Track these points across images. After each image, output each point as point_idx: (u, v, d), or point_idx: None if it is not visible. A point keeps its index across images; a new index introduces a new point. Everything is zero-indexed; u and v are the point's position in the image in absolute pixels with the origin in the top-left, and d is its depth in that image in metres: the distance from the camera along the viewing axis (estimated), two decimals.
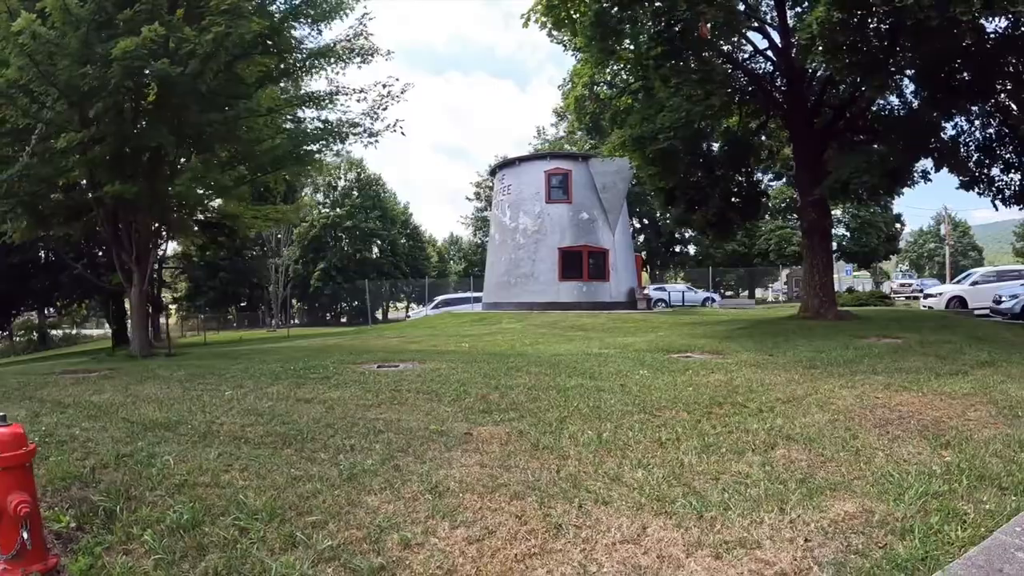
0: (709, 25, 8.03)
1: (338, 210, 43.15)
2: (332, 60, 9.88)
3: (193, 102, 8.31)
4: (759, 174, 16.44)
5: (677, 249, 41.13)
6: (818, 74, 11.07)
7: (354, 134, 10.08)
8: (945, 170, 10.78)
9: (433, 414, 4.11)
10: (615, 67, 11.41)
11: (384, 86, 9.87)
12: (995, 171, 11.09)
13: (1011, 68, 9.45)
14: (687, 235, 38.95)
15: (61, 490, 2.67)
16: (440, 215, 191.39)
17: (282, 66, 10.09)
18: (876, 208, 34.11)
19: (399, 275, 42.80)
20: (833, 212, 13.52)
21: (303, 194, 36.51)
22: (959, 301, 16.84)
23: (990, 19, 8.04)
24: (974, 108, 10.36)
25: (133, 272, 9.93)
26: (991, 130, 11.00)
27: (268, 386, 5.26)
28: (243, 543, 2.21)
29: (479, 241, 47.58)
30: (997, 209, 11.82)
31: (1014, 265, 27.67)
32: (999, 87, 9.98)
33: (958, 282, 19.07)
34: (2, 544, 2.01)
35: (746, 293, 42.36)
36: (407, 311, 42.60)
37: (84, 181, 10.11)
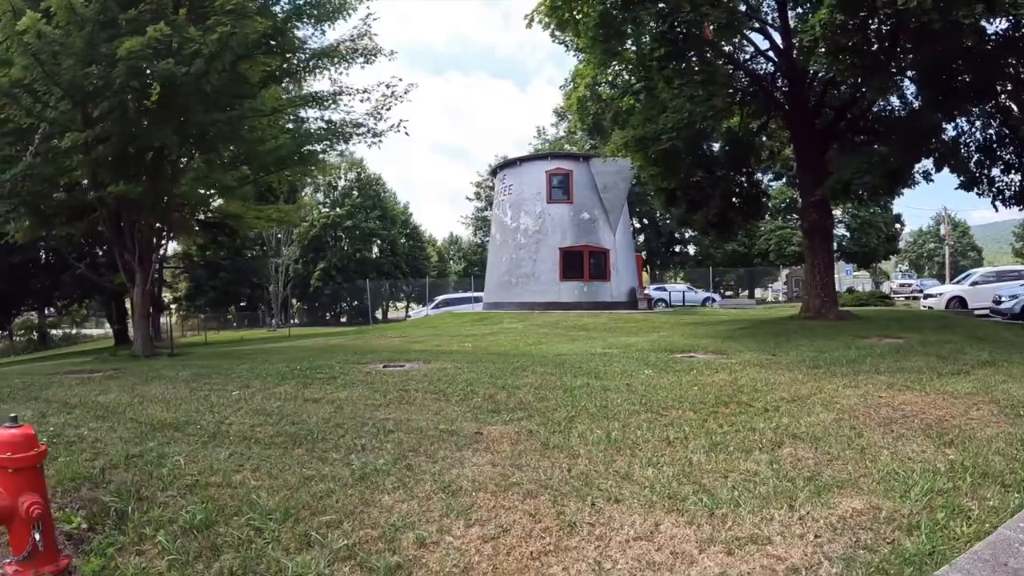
0: (712, 27, 8.07)
1: (338, 210, 43.15)
2: (335, 60, 9.91)
3: (197, 102, 8.33)
4: (759, 174, 16.49)
5: (677, 249, 41.19)
6: (819, 75, 11.12)
7: (358, 134, 10.11)
8: (945, 170, 10.85)
9: (442, 414, 4.15)
10: (617, 67, 11.45)
11: (388, 86, 9.90)
12: (995, 172, 11.15)
13: (1011, 69, 9.51)
14: (687, 235, 39.02)
15: (71, 491, 2.67)
16: (440, 215, 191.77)
17: (285, 66, 10.11)
18: (876, 208, 34.21)
19: (399, 275, 42.83)
20: (833, 212, 13.56)
21: (303, 194, 36.52)
22: (959, 301, 16.91)
23: (991, 21, 8.09)
24: (975, 109, 10.42)
25: (136, 272, 9.95)
26: (991, 131, 11.06)
27: (275, 386, 5.27)
28: (258, 543, 2.21)
29: (479, 241, 47.61)
30: (997, 210, 11.89)
31: (1014, 265, 27.74)
32: (999, 88, 10.04)
33: (958, 282, 19.14)
34: (14, 545, 2.01)
35: (746, 293, 42.44)
36: (407, 311, 42.62)
37: (87, 181, 10.12)
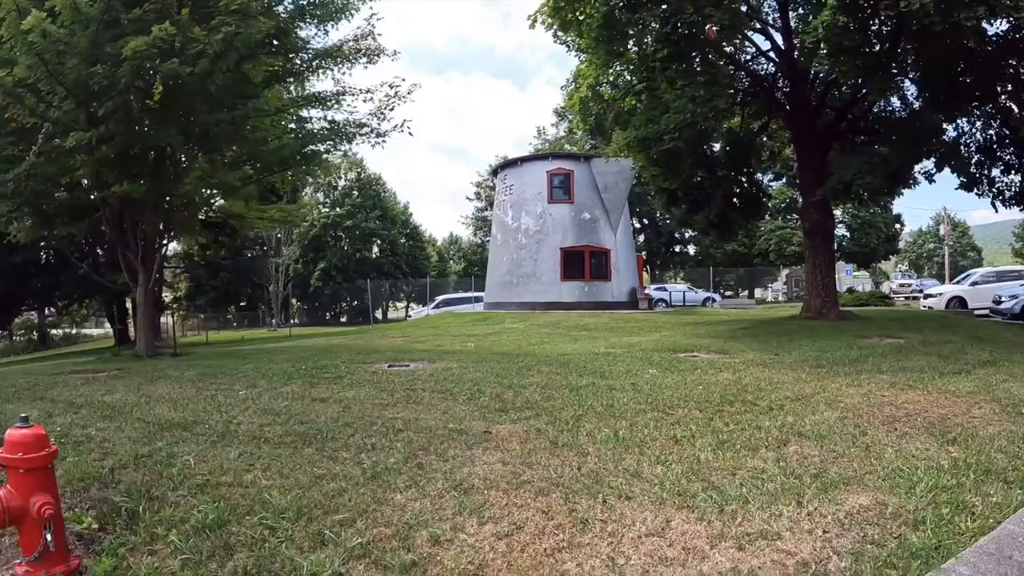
0: (715, 28, 8.12)
1: (338, 209, 43.19)
2: (339, 60, 9.94)
3: (201, 102, 8.35)
4: (760, 175, 16.54)
5: (677, 249, 41.27)
6: (821, 76, 11.17)
7: (361, 134, 10.14)
8: (946, 171, 10.90)
9: (450, 413, 4.18)
10: (618, 68, 11.49)
11: (391, 86, 9.93)
12: (995, 172, 11.22)
13: (1012, 70, 9.57)
14: (687, 235, 39.10)
15: (80, 491, 2.66)
16: (440, 215, 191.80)
17: (288, 66, 10.13)
18: (876, 208, 34.30)
19: (399, 275, 42.86)
20: (834, 212, 13.62)
21: (304, 194, 36.54)
22: (959, 301, 16.98)
23: (991, 22, 8.14)
24: (975, 110, 10.48)
25: (139, 272, 9.97)
26: (992, 131, 11.12)
27: (282, 386, 5.29)
28: (271, 542, 2.21)
29: (479, 241, 47.66)
30: (997, 210, 11.96)
31: (1014, 266, 27.84)
32: (1000, 89, 10.09)
33: (958, 282, 19.21)
34: (24, 546, 2.00)
35: (746, 293, 42.52)
36: (407, 311, 42.65)
37: (89, 181, 10.13)
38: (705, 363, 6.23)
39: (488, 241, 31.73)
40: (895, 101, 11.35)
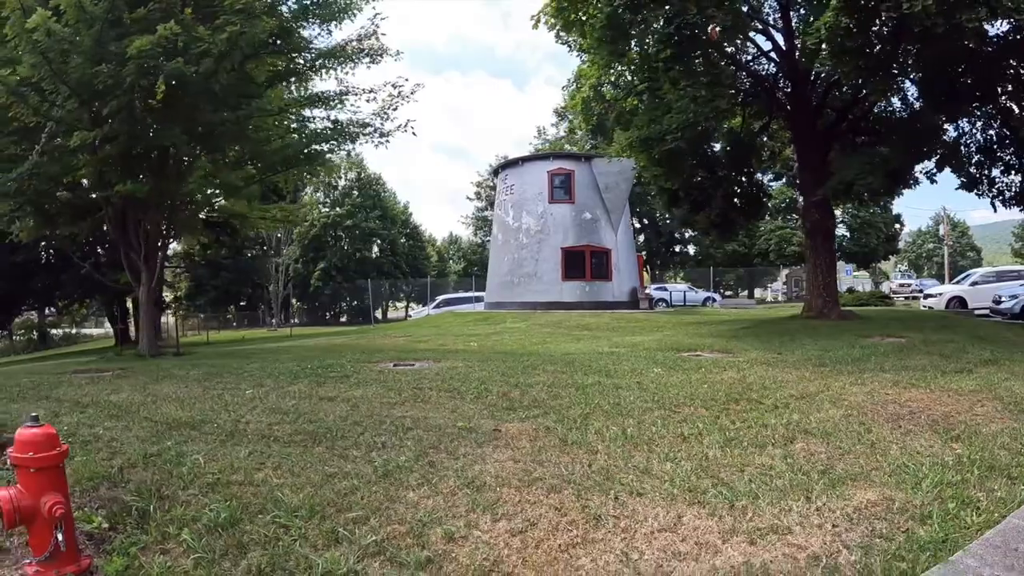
0: (718, 28, 8.16)
1: (338, 209, 43.21)
2: (342, 60, 9.95)
3: (206, 101, 8.36)
4: (760, 175, 16.59)
5: (677, 249, 41.34)
6: (822, 76, 11.22)
7: (364, 134, 10.16)
8: (946, 171, 10.96)
9: (458, 411, 4.21)
10: (620, 68, 11.53)
11: (394, 86, 9.95)
12: (995, 172, 11.27)
13: (1012, 71, 9.62)
14: (687, 235, 39.16)
15: (89, 490, 2.64)
16: (440, 215, 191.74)
17: (291, 66, 10.15)
18: (876, 208, 34.38)
19: (399, 275, 42.88)
20: (834, 212, 13.66)
21: (304, 194, 36.55)
22: (959, 301, 17.04)
23: (992, 23, 8.19)
24: (975, 110, 10.53)
25: (141, 271, 9.97)
26: (992, 132, 11.17)
27: (288, 385, 5.30)
28: (285, 540, 2.21)
29: (479, 241, 47.70)
30: (996, 210, 12.01)
31: (1013, 266, 27.94)
32: (1000, 90, 10.14)
33: (958, 282, 19.28)
34: (34, 546, 1.98)
35: (745, 293, 42.59)
36: (407, 311, 42.67)
37: (92, 180, 10.14)
38: (709, 362, 6.27)
39: (488, 241, 31.76)
40: (896, 101, 11.42)
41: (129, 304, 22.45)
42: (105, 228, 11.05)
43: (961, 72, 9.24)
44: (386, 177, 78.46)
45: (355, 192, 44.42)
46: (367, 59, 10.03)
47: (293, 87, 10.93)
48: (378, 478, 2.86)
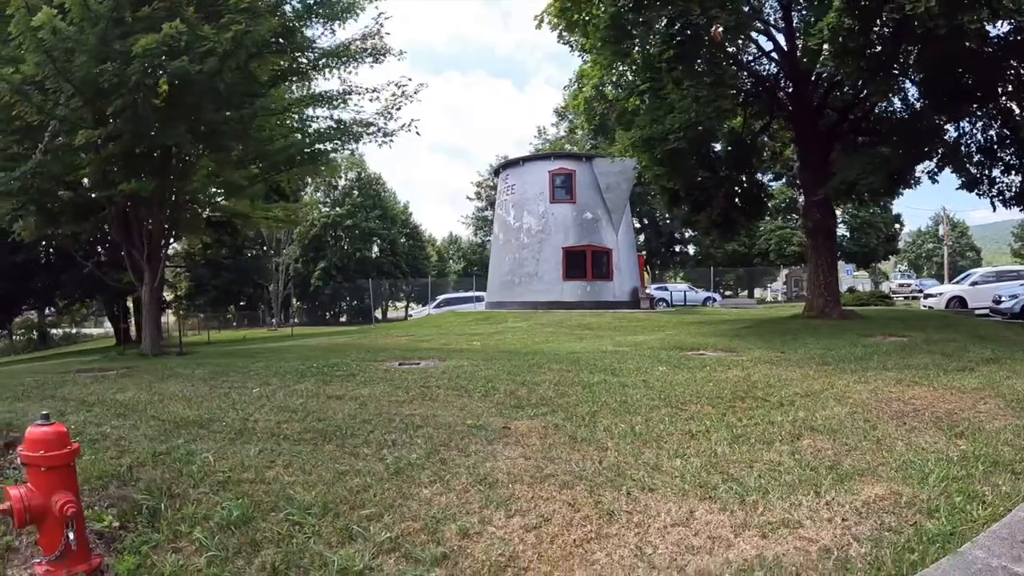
0: (721, 29, 8.20)
1: (338, 209, 43.23)
2: (345, 60, 9.97)
3: (210, 100, 8.37)
4: (760, 175, 16.64)
5: (677, 249, 41.41)
6: (823, 76, 11.26)
7: (368, 134, 10.19)
8: (946, 171, 11.00)
9: (467, 409, 4.23)
10: (622, 68, 11.56)
11: (398, 85, 9.98)
12: (996, 173, 11.32)
13: (1013, 71, 9.67)
14: (687, 235, 39.22)
15: (99, 489, 2.63)
16: (440, 215, 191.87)
17: (294, 65, 10.17)
18: (876, 208, 34.46)
19: (399, 275, 42.92)
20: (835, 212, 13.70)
21: (304, 193, 36.56)
22: (959, 301, 17.11)
23: (994, 24, 8.24)
24: (976, 111, 10.58)
25: (144, 270, 9.98)
26: (992, 132, 11.22)
27: (295, 383, 5.31)
28: (299, 537, 2.22)
29: (479, 241, 47.75)
30: (995, 210, 12.05)
31: (1013, 266, 28.04)
32: (1000, 90, 10.19)
33: (958, 282, 19.36)
34: (44, 545, 1.96)
35: (745, 293, 42.67)
36: (407, 310, 42.69)
37: (94, 179, 10.14)
38: (713, 361, 6.31)
39: (488, 241, 31.78)
40: (896, 102, 11.45)
41: (130, 304, 22.47)
42: (107, 228, 11.05)
43: (962, 72, 9.28)
44: (386, 177, 78.40)
45: (355, 192, 44.45)
46: (370, 58, 10.05)
47: (295, 87, 10.95)
48: (390, 475, 2.87)
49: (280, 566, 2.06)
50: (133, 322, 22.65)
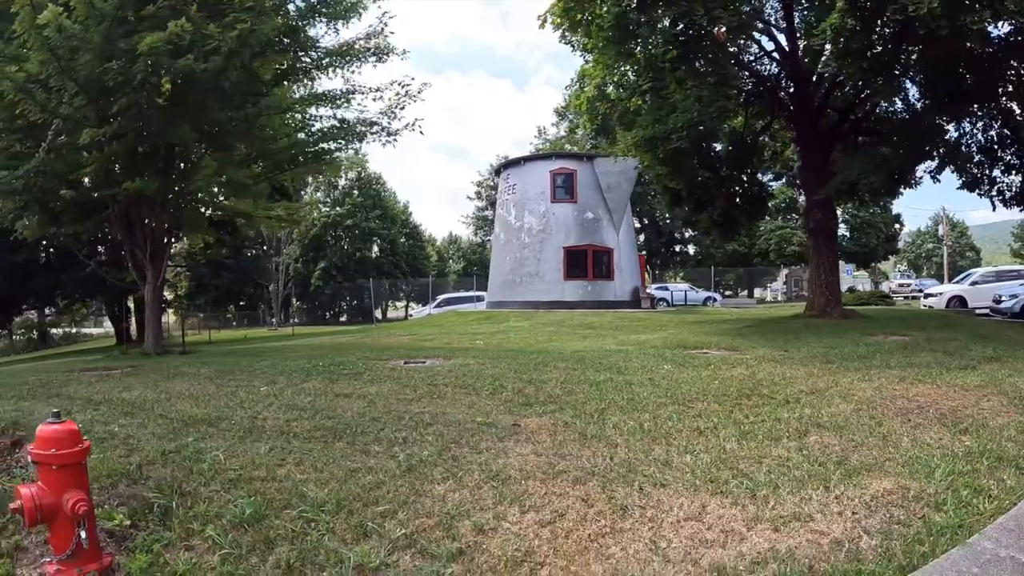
0: (724, 29, 8.24)
1: (338, 209, 43.24)
2: (348, 59, 9.99)
3: (214, 99, 8.37)
4: (761, 174, 16.69)
5: (677, 249, 41.48)
6: (825, 76, 11.31)
7: (371, 133, 10.21)
8: (947, 171, 11.06)
9: (475, 407, 4.26)
10: (624, 68, 11.60)
11: (402, 85, 10.00)
12: (996, 172, 11.38)
13: (1013, 72, 9.72)
14: (687, 235, 39.28)
15: (108, 487, 2.62)
16: (440, 215, 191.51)
17: (297, 64, 10.18)
18: (876, 208, 34.53)
19: (399, 274, 42.94)
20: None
21: (304, 193, 36.56)
22: (959, 300, 17.17)
23: (995, 25, 8.29)
24: (977, 111, 10.63)
25: (147, 270, 9.99)
26: (993, 132, 11.28)
27: (302, 382, 5.31)
28: (313, 535, 2.22)
29: (479, 240, 47.78)
30: (995, 209, 12.11)
31: (1013, 265, 28.13)
32: (1001, 90, 10.25)
33: (958, 282, 19.43)
34: (55, 544, 1.95)
35: (745, 293, 42.74)
36: (407, 310, 42.71)
37: (96, 178, 10.13)
38: (717, 359, 6.35)
39: (489, 240, 31.84)
40: (897, 102, 11.50)
41: (131, 303, 22.47)
42: (108, 227, 11.05)
43: (963, 73, 9.33)
44: (386, 177, 78.48)
45: (355, 192, 44.45)
46: (373, 58, 10.07)
47: (297, 86, 10.96)
48: (402, 472, 2.89)
49: (295, 563, 2.06)
50: (134, 321, 22.65)
